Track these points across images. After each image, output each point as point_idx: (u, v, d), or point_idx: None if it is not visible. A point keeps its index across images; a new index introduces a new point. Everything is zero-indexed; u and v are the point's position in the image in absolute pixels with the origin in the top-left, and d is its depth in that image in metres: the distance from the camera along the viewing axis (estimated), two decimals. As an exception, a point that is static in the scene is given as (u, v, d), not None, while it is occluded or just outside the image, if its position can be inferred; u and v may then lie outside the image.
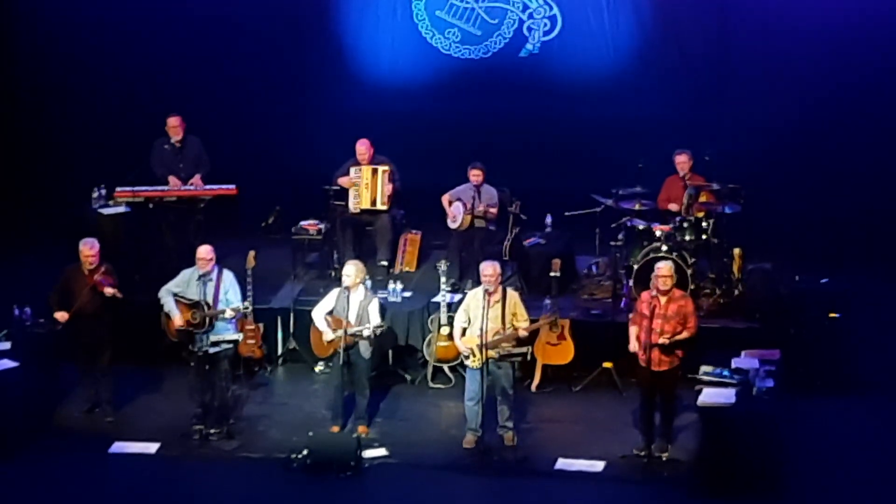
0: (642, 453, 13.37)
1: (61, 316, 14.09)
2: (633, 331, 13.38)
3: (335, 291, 14.13)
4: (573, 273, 16.47)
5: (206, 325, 13.91)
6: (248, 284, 14.95)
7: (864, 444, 13.63)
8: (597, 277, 16.55)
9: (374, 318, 13.93)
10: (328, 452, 13.32)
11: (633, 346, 13.31)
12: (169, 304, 14.09)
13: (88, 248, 14.16)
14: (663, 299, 13.23)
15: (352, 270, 14.01)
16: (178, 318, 13.99)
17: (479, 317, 13.51)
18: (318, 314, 14.07)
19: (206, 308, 13.89)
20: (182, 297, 14.07)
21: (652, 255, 15.30)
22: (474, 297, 13.70)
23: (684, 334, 13.23)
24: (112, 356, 14.39)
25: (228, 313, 13.96)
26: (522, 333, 13.62)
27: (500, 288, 13.66)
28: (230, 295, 14.09)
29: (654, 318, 13.14)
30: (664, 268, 13.32)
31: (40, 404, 14.30)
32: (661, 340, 13.12)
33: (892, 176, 17.42)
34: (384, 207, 16.47)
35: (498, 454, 13.57)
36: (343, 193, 16.60)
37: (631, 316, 13.62)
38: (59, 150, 18.71)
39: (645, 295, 13.49)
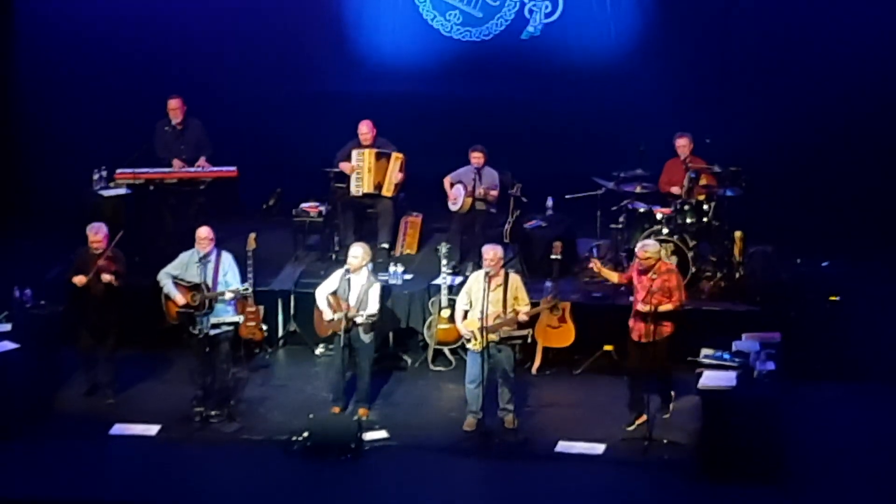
0: (631, 427, 13.47)
1: (79, 279, 14.05)
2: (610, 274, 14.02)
3: (339, 272, 14.13)
4: (574, 256, 16.45)
5: (205, 307, 13.92)
6: (249, 267, 14.93)
7: (863, 427, 13.65)
8: (598, 260, 16.52)
9: (373, 305, 13.92)
10: (329, 435, 13.34)
11: (616, 277, 13.99)
12: (168, 286, 14.10)
13: (94, 234, 14.17)
14: (649, 273, 13.31)
15: (359, 252, 14.00)
16: (178, 299, 14.00)
17: (480, 300, 13.51)
18: (321, 294, 14.06)
19: (205, 290, 13.90)
20: (181, 279, 14.08)
21: (654, 238, 15.29)
22: (476, 280, 13.70)
23: (668, 306, 13.30)
24: (116, 341, 14.41)
25: (228, 295, 13.98)
26: (523, 318, 13.62)
27: (501, 271, 13.66)
28: (229, 277, 14.10)
29: (637, 290, 13.33)
30: (639, 251, 13.48)
31: (41, 386, 14.30)
32: (640, 307, 13.24)
33: (894, 159, 17.39)
34: (389, 195, 16.46)
35: (498, 437, 13.58)
36: (344, 175, 16.59)
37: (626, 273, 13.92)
38: (59, 131, 18.66)
39: (637, 264, 13.62)
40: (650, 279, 13.34)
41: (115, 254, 14.22)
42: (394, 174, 16.40)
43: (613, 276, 14.13)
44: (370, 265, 14.69)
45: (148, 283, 14.45)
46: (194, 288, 13.97)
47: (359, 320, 13.85)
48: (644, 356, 13.44)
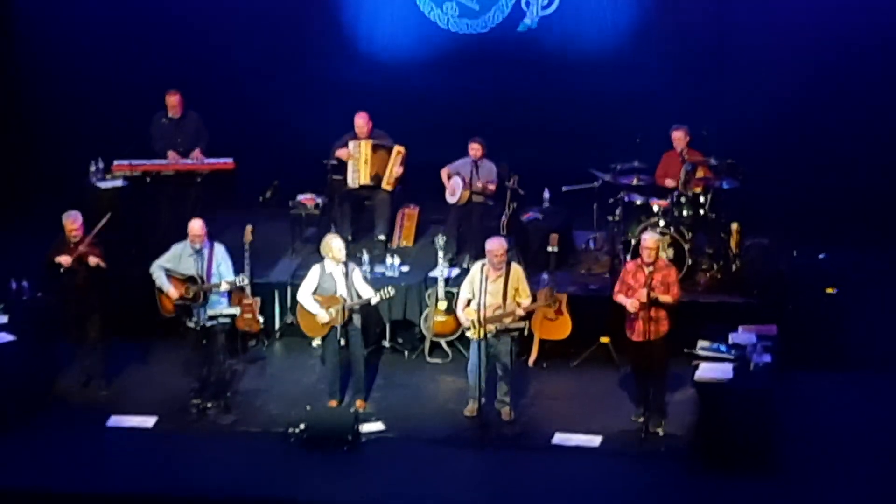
0: (640, 420, 13.42)
1: (65, 259, 14.03)
2: (622, 298, 13.42)
3: (315, 269, 14.08)
4: (571, 248, 16.46)
5: (200, 299, 13.92)
6: (246, 259, 14.95)
7: (860, 419, 13.65)
8: (594, 252, 16.54)
9: (364, 287, 13.93)
10: (325, 427, 13.35)
11: (633, 303, 13.26)
12: (161, 279, 14.09)
13: (71, 222, 14.16)
14: (648, 269, 13.27)
15: (342, 244, 14.00)
16: (172, 292, 13.99)
17: (479, 290, 13.52)
18: (307, 297, 14.01)
19: (200, 282, 13.89)
20: (174, 271, 14.07)
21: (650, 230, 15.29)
22: (477, 270, 13.69)
23: (667, 298, 13.23)
24: (102, 329, 14.39)
25: (224, 286, 13.98)
26: (520, 312, 13.59)
27: (504, 262, 13.64)
28: (223, 268, 14.11)
29: (643, 287, 13.21)
30: (650, 240, 13.35)
31: (38, 378, 14.31)
32: (653, 295, 13.12)
33: (890, 151, 17.39)
34: (389, 188, 16.46)
35: (495, 428, 13.60)
36: (341, 168, 16.59)
37: (616, 287, 13.62)
38: (57, 123, 18.66)
39: (630, 265, 13.54)
40: (649, 275, 13.28)
41: (93, 238, 14.18)
42: (394, 168, 16.40)
43: (635, 304, 13.36)
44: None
45: (144, 274, 14.44)
46: (189, 280, 13.97)
47: (375, 301, 13.85)
48: (644, 356, 13.40)
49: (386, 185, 16.46)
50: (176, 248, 14.17)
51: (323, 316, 13.87)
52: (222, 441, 13.57)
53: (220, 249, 14.22)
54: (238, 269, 14.38)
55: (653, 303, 13.19)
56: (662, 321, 13.33)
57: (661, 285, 13.28)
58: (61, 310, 14.37)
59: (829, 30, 17.47)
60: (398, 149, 16.43)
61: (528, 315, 14.17)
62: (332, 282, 13.94)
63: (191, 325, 14.00)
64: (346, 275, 13.94)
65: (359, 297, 13.93)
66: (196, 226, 14.05)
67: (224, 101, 18.15)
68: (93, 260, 14.03)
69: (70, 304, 14.29)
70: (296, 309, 15.26)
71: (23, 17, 18.78)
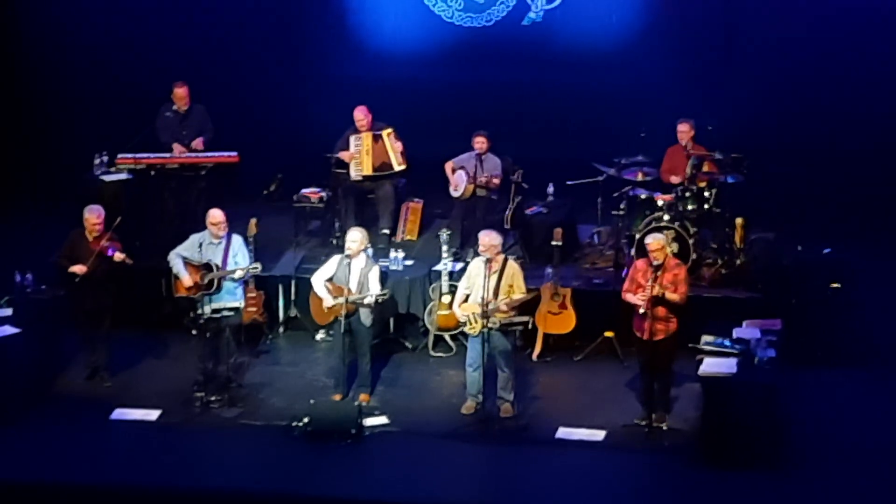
0: (643, 423, 13.37)
1: (79, 269, 14.06)
2: (630, 297, 13.37)
3: (336, 258, 14.14)
4: (575, 242, 16.47)
5: (213, 287, 13.91)
6: (251, 252, 14.93)
7: (864, 414, 13.65)
8: (599, 247, 16.54)
9: (375, 286, 13.93)
10: (329, 420, 13.35)
11: (641, 298, 13.17)
12: (178, 265, 14.08)
13: (95, 217, 14.17)
14: (654, 267, 13.21)
15: (357, 236, 14.02)
16: (186, 279, 13.98)
17: (476, 285, 13.51)
18: (318, 281, 14.07)
19: (215, 269, 13.89)
20: (190, 260, 14.08)
21: (654, 225, 15.28)
22: (476, 265, 13.68)
23: (674, 297, 13.16)
24: (111, 323, 14.41)
25: (238, 273, 13.96)
26: (503, 307, 13.44)
27: (500, 257, 13.62)
28: (239, 258, 14.14)
29: (650, 286, 13.16)
30: (653, 243, 13.26)
31: (42, 370, 14.33)
32: (656, 292, 13.04)
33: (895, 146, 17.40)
34: (402, 167, 16.42)
35: (499, 423, 13.58)
36: (345, 161, 16.58)
37: (625, 286, 13.56)
38: (61, 115, 18.66)
39: (640, 263, 13.47)
40: (661, 277, 13.16)
41: (112, 233, 14.21)
42: (395, 147, 16.35)
43: (643, 300, 13.25)
44: (369, 250, 14.71)
45: (148, 267, 14.44)
46: (204, 267, 13.97)
47: (368, 300, 13.83)
48: (651, 354, 13.35)
49: (398, 165, 16.41)
50: (194, 238, 14.17)
51: (328, 300, 13.88)
52: (226, 434, 13.56)
53: (237, 240, 14.24)
54: (249, 260, 14.37)
55: (660, 301, 13.15)
56: (671, 320, 13.29)
57: (671, 284, 13.22)
58: (76, 303, 14.35)
59: (836, 25, 17.47)
60: (386, 132, 16.40)
61: (531, 309, 14.15)
62: (346, 273, 13.95)
63: (195, 316, 13.98)
64: (362, 270, 13.94)
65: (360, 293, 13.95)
66: (217, 214, 14.06)
67: (228, 95, 18.15)
68: (118, 256, 14.04)
69: (86, 299, 14.28)
70: (300, 302, 15.31)
71: (27, 10, 18.77)
